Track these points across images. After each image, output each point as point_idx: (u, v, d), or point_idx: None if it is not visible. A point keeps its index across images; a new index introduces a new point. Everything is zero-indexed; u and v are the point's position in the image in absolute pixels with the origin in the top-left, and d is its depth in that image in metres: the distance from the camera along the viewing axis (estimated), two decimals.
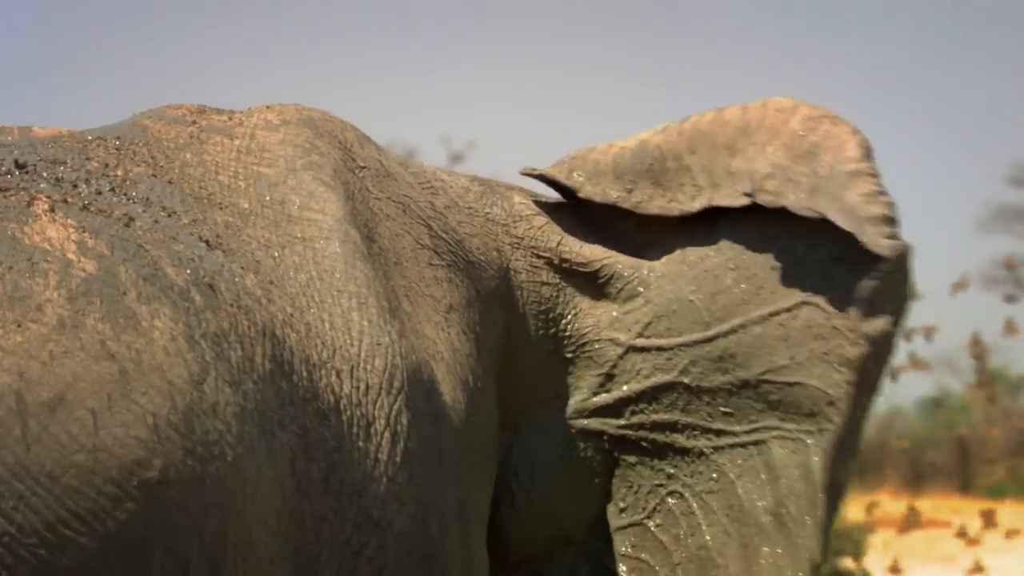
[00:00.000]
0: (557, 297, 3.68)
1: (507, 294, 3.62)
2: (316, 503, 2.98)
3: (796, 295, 3.52)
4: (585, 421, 3.66)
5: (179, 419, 2.74)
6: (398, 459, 3.12)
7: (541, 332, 3.66)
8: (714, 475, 3.61)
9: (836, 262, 3.49)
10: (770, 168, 3.52)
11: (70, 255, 2.85)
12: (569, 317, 3.68)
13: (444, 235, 3.53)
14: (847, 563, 13.75)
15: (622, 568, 3.68)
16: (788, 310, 3.52)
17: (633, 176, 3.66)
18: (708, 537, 3.60)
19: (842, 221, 3.40)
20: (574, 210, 3.73)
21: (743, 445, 3.58)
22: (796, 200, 3.47)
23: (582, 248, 3.68)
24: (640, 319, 3.63)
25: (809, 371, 3.51)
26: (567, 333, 3.68)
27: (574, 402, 3.66)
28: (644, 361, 3.63)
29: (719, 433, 3.60)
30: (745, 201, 3.54)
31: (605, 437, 3.66)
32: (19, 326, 2.70)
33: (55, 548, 2.59)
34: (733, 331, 3.57)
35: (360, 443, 3.08)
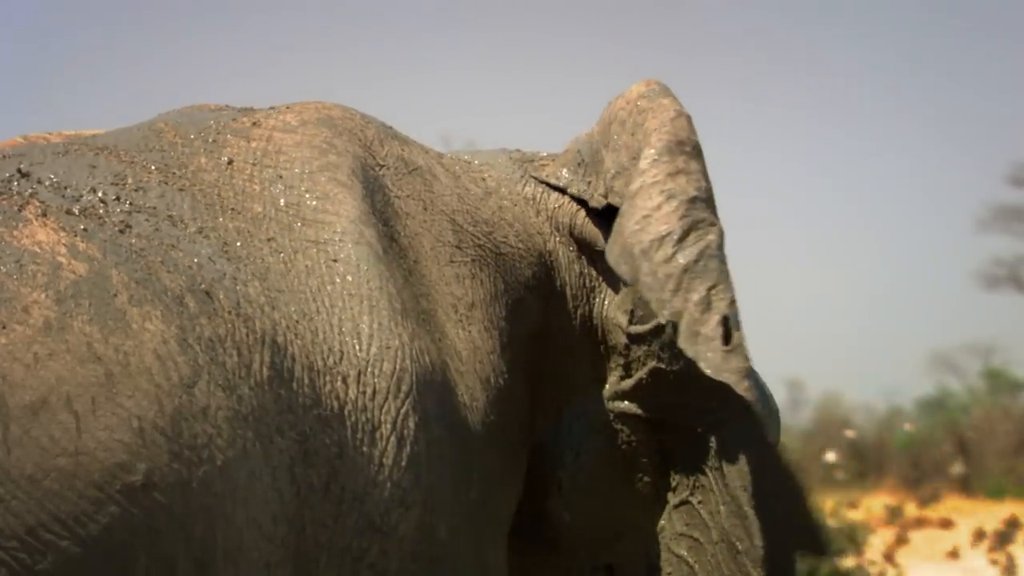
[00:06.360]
0: (587, 276, 3.64)
1: (546, 279, 3.58)
2: (316, 509, 2.96)
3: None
4: (622, 404, 3.60)
5: (166, 422, 2.72)
6: (404, 463, 3.08)
7: (578, 315, 3.62)
8: (713, 452, 3.54)
9: None
10: (615, 167, 3.55)
11: (60, 258, 2.83)
12: (596, 299, 3.64)
13: (470, 228, 3.48)
14: (847, 563, 13.74)
15: (681, 547, 3.62)
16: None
17: (587, 168, 3.67)
18: (724, 518, 3.54)
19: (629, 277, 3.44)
20: None
21: (719, 426, 3.52)
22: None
23: (592, 225, 3.65)
24: (627, 304, 3.58)
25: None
26: (596, 315, 3.63)
27: (609, 385, 3.61)
28: (639, 348, 3.57)
29: (702, 413, 3.52)
30: (607, 201, 3.56)
31: (641, 418, 3.59)
32: (3, 327, 2.68)
33: (36, 552, 2.58)
34: (659, 327, 3.49)
35: (364, 448, 3.04)
